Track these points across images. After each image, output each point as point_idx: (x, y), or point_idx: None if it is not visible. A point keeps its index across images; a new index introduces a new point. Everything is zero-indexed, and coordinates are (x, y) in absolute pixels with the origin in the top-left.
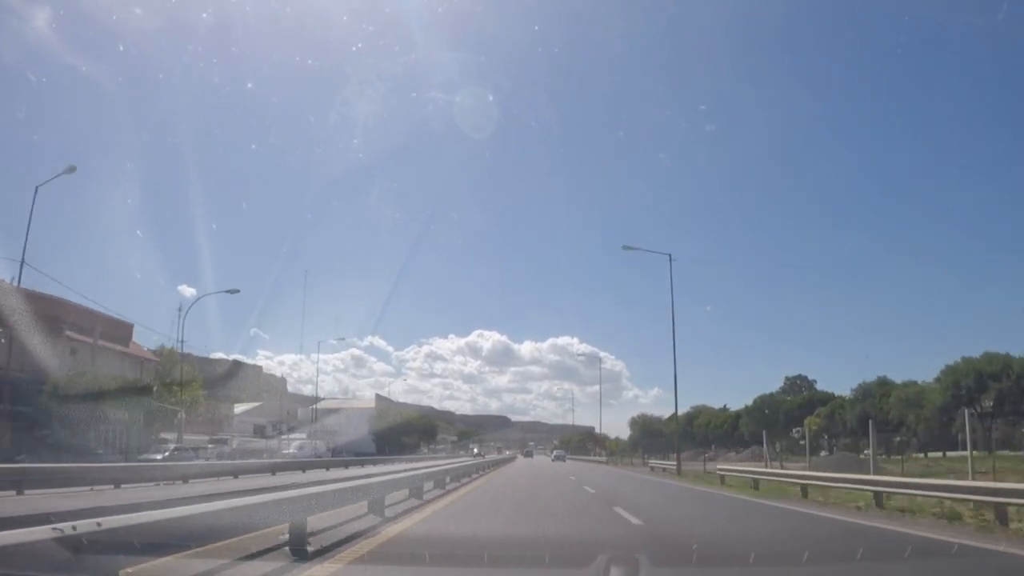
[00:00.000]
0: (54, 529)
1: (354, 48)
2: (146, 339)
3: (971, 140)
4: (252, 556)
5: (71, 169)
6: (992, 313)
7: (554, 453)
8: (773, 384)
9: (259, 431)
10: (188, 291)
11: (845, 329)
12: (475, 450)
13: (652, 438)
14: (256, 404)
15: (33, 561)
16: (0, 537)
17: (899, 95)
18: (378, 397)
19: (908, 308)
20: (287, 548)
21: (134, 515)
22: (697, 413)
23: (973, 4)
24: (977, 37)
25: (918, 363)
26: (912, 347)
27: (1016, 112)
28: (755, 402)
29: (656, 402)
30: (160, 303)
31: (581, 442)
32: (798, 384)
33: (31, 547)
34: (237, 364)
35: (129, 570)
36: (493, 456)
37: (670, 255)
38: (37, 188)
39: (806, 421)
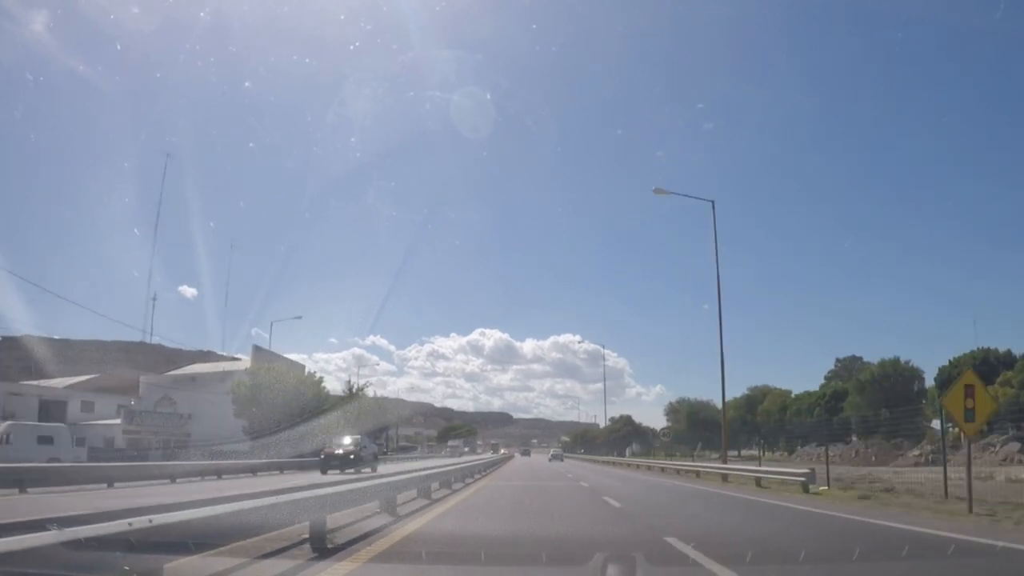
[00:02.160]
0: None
1: (351, 47)
2: (124, 332)
3: (970, 135)
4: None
5: (298, 317)
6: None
7: (551, 452)
8: (819, 369)
9: (50, 410)
10: (189, 291)
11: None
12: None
13: (706, 430)
14: (90, 376)
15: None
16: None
17: (897, 92)
18: (256, 351)
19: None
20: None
21: (176, 513)
22: (759, 396)
23: (971, 2)
24: (975, 35)
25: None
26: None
27: (1016, 108)
28: (868, 372)
29: (659, 400)
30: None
31: (620, 434)
32: (849, 366)
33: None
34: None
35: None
36: (460, 461)
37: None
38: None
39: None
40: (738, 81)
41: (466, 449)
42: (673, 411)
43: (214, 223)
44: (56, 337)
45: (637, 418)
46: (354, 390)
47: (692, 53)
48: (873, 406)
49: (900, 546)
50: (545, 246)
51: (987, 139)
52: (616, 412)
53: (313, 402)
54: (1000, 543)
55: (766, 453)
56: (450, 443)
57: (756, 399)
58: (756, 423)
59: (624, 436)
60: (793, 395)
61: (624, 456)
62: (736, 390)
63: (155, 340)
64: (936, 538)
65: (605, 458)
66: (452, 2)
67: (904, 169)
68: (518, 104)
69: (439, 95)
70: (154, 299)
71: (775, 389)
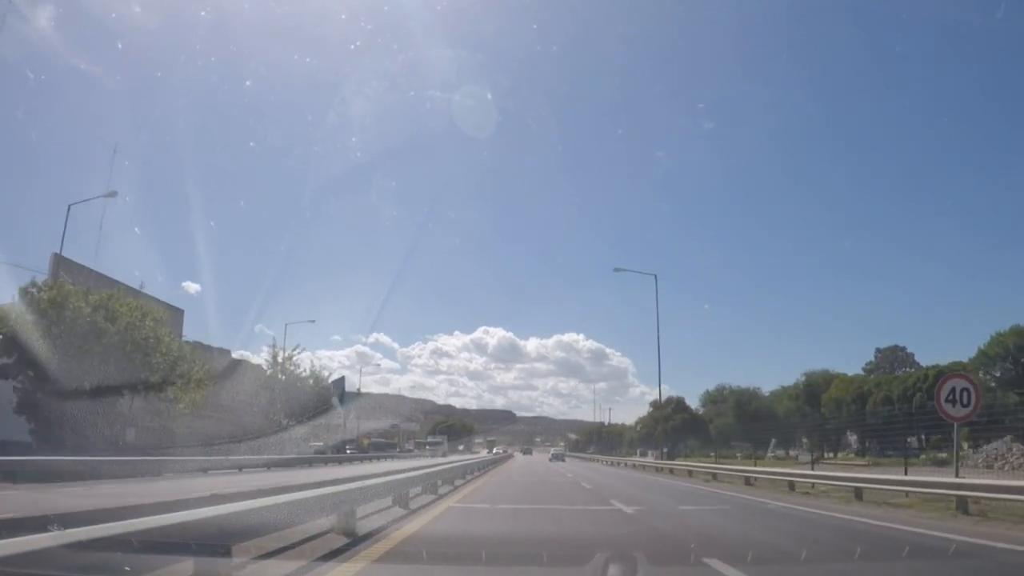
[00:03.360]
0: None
1: (352, 47)
2: None
3: (970, 134)
4: None
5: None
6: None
7: (552, 451)
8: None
9: None
10: (193, 287)
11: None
12: None
13: (755, 423)
14: None
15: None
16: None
17: (898, 91)
18: (56, 261)
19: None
20: None
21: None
22: (820, 382)
23: (972, 2)
24: (977, 34)
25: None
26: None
27: (1016, 108)
28: (999, 342)
29: (664, 398)
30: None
31: (671, 424)
32: (890, 357)
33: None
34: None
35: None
36: (413, 468)
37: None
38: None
39: None
40: (739, 80)
41: (460, 447)
42: (712, 401)
43: (215, 222)
44: None
45: (633, 418)
46: (280, 359)
47: (693, 52)
48: (1002, 387)
49: None
50: (548, 245)
51: (990, 135)
52: (621, 411)
53: (140, 352)
54: None
55: (835, 455)
56: (430, 439)
57: (816, 386)
58: (822, 416)
59: (678, 428)
60: (872, 379)
61: (660, 456)
62: (782, 378)
63: None
64: None
65: (634, 459)
66: (453, 1)
67: (907, 168)
68: (519, 103)
69: (440, 94)
70: (140, 287)
71: (840, 375)
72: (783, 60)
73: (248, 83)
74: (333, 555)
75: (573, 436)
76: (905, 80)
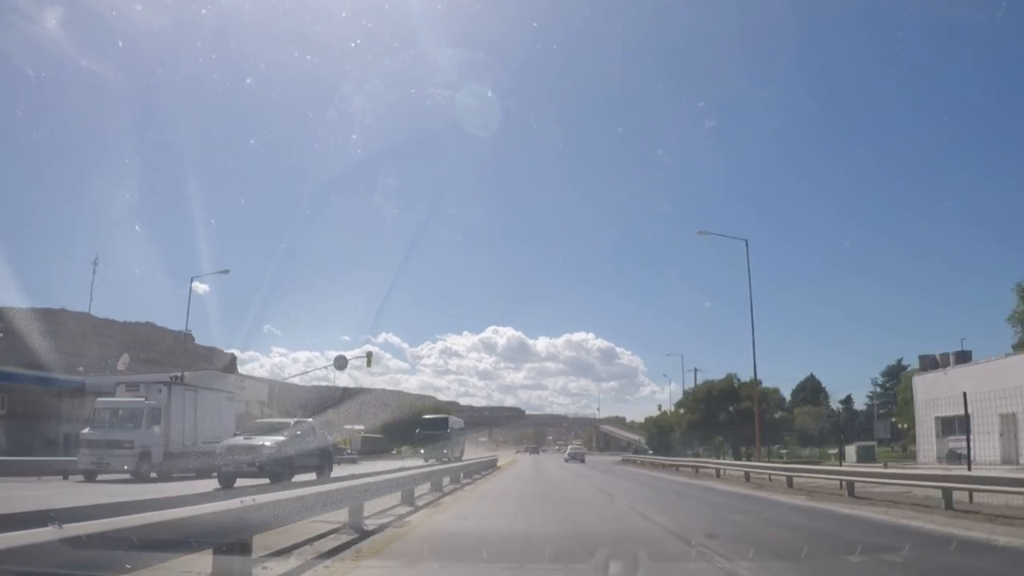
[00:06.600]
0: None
1: (353, 45)
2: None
3: (971, 133)
4: None
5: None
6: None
7: (568, 450)
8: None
9: None
10: (201, 287)
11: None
12: None
13: None
14: None
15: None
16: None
17: (898, 91)
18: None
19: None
20: None
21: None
22: None
23: (972, 2)
24: (976, 34)
25: None
26: None
27: (1016, 107)
28: None
29: (673, 398)
30: (162, 299)
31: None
32: None
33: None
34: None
35: None
36: None
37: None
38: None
39: None
40: (739, 79)
41: (444, 450)
42: None
43: (215, 220)
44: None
45: (642, 418)
46: None
47: (694, 51)
48: None
49: None
50: (552, 243)
51: (991, 134)
52: (630, 410)
53: None
54: None
55: None
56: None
57: None
58: None
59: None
60: None
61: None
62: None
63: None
64: None
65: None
66: (453, 0)
67: (908, 168)
68: (521, 102)
69: (441, 92)
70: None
71: None
72: (785, 59)
73: (249, 81)
74: None
75: (623, 433)
76: (905, 79)
